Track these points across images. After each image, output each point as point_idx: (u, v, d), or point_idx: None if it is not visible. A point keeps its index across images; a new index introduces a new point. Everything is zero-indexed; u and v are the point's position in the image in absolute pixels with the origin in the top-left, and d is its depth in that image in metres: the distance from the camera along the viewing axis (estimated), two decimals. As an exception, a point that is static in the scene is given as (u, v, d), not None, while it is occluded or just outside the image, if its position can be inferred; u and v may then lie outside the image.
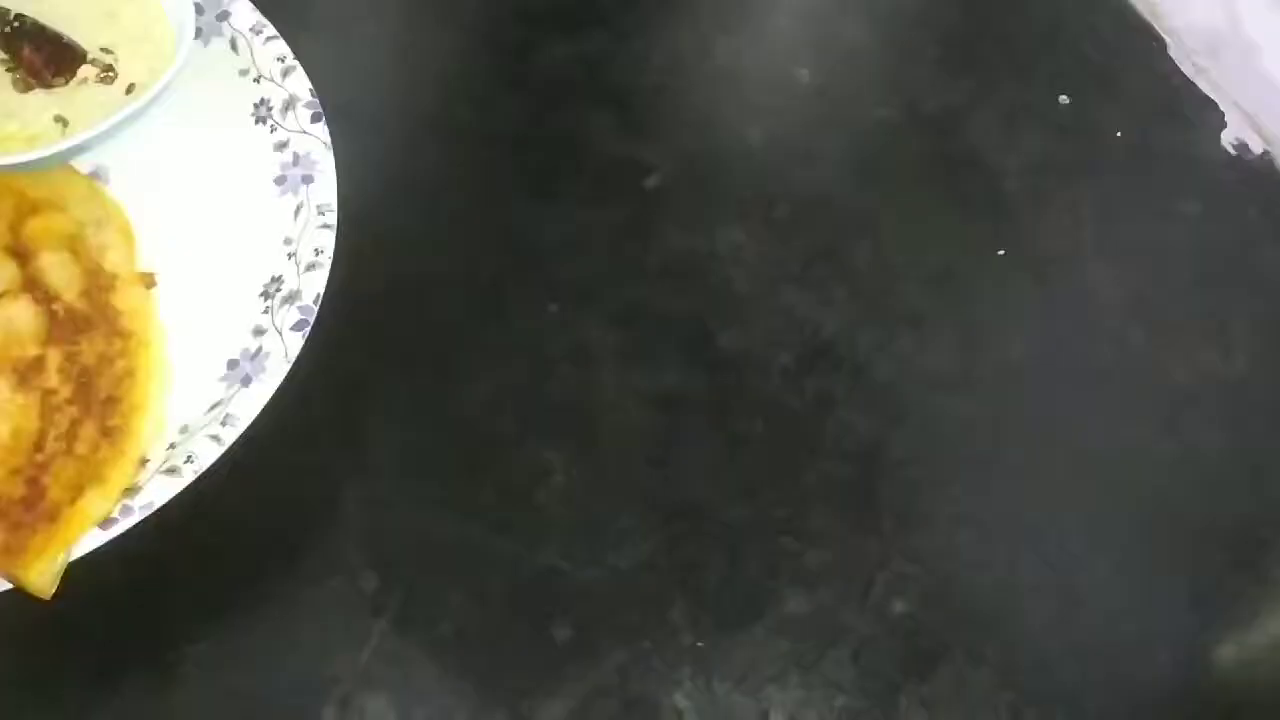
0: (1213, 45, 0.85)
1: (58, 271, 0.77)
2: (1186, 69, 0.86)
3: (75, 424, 0.72)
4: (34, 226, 0.78)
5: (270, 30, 0.83)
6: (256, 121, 0.82)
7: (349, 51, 0.87)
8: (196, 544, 0.70)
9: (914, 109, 0.88)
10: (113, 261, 0.78)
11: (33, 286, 0.76)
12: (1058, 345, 0.78)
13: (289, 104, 0.82)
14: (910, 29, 0.94)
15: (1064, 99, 0.87)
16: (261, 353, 0.75)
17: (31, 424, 0.72)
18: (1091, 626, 0.69)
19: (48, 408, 0.73)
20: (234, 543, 0.72)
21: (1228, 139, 0.84)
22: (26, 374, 0.73)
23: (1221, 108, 0.85)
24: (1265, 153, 0.83)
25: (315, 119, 0.81)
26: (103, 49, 0.77)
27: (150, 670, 0.67)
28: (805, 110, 0.89)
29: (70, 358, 0.74)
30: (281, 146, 0.81)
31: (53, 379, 0.73)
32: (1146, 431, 0.76)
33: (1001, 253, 0.82)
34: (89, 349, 0.75)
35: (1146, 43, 0.88)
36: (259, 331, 0.76)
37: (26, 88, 0.76)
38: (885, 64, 0.93)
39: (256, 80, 0.82)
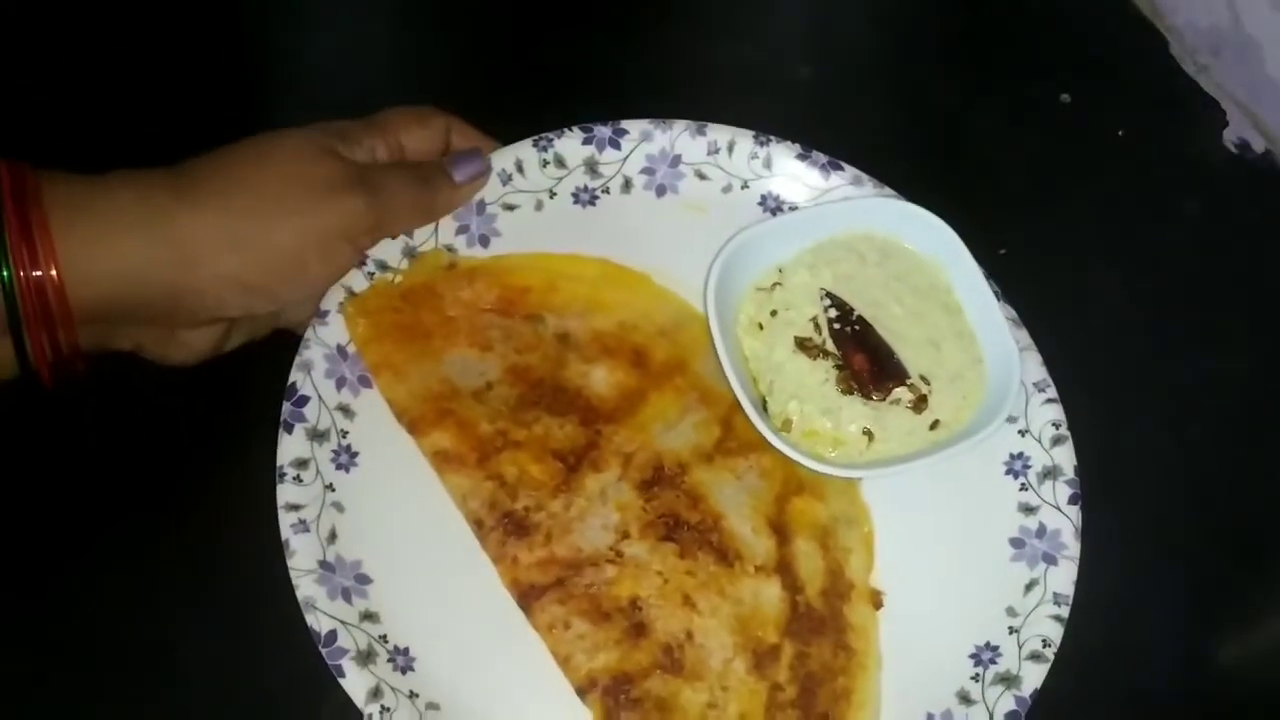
0: (1214, 43, 0.83)
1: (806, 562, 0.80)
2: (1188, 67, 0.84)
3: (794, 733, 0.75)
4: (797, 507, 0.81)
5: (1052, 393, 0.84)
6: (1007, 472, 0.83)
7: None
8: None
9: (915, 107, 0.88)
10: (853, 568, 0.81)
11: (784, 570, 0.79)
12: (1058, 344, 0.78)
13: (1050, 473, 0.82)
14: (911, 27, 0.93)
15: (1065, 97, 0.86)
16: (968, 728, 0.75)
17: (758, 715, 0.76)
18: (1092, 625, 0.71)
19: (773, 704, 0.76)
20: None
21: (1229, 137, 0.83)
22: (762, 660, 0.77)
23: (1223, 106, 0.83)
24: (1267, 151, 0.81)
25: (1073, 501, 0.81)
26: (921, 376, 0.80)
27: None
28: (806, 108, 0.87)
29: (800, 658, 0.77)
30: (1028, 510, 0.82)
31: (783, 673, 0.77)
32: (1147, 430, 0.76)
33: (1003, 251, 0.82)
34: (817, 654, 0.78)
35: (1148, 41, 0.86)
36: (965, 699, 0.77)
37: (847, 390, 0.79)
38: (886, 62, 0.91)
39: (1022, 433, 0.83)
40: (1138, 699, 0.65)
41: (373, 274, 0.83)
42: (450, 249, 0.86)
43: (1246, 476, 0.72)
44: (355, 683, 0.72)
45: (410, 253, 0.85)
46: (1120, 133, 0.71)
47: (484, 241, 0.87)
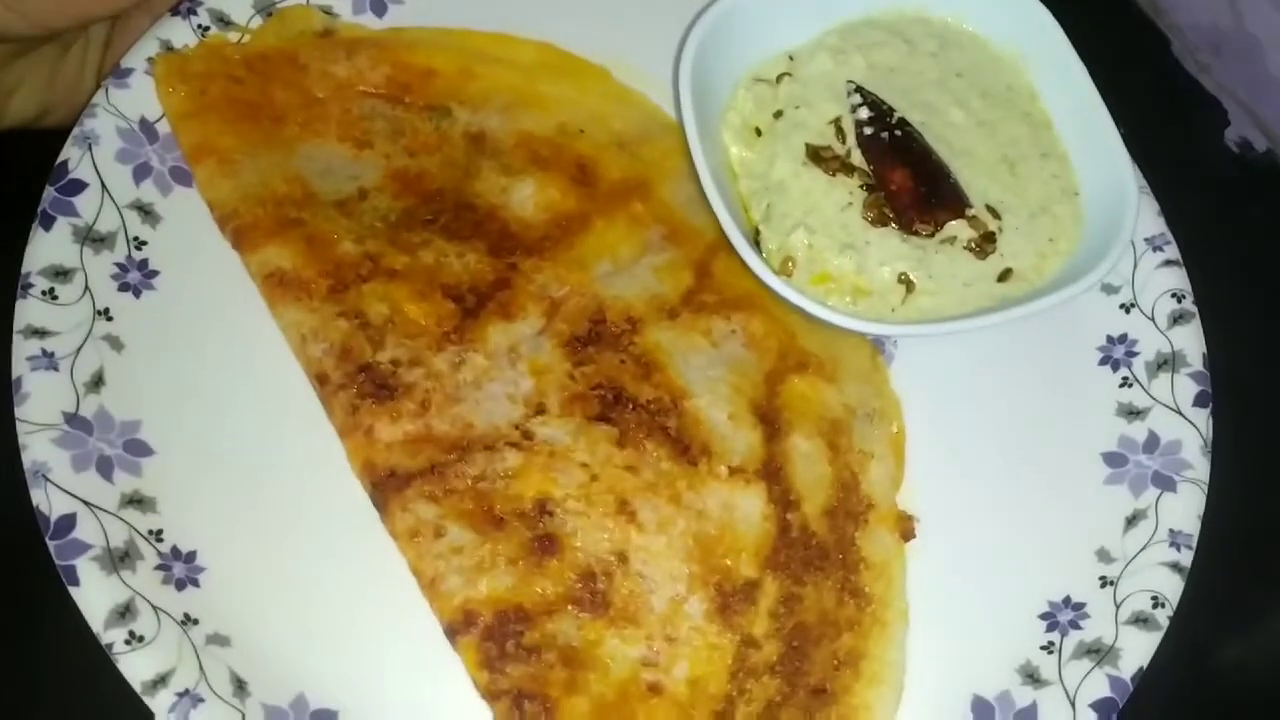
0: (1215, 43, 0.81)
1: (805, 466, 0.54)
2: (1189, 66, 0.83)
3: (772, 711, 0.48)
4: (795, 390, 0.55)
5: (1173, 252, 0.56)
6: (1103, 361, 0.56)
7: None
8: None
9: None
10: (872, 480, 0.55)
11: (771, 476, 0.52)
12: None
13: (1166, 363, 0.56)
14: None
15: None
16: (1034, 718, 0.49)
17: (718, 681, 0.49)
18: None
19: (743, 665, 0.50)
20: None
21: (1231, 136, 0.81)
22: (732, 601, 0.50)
23: (1224, 105, 0.82)
24: (1268, 150, 0.80)
25: (1200, 401, 0.53)
26: (989, 207, 0.53)
27: None
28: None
29: (789, 602, 0.51)
30: (1132, 414, 0.55)
31: (760, 623, 0.51)
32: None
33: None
34: (813, 598, 0.51)
35: (1149, 40, 0.84)
36: (1032, 677, 0.51)
37: (880, 221, 0.52)
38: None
39: (1126, 308, 0.56)
40: (1139, 697, 0.53)
41: (206, 28, 0.57)
42: (327, 11, 0.60)
43: (1249, 475, 0.64)
44: (94, 594, 0.46)
45: (266, 7, 0.59)
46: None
47: (378, 8, 0.61)
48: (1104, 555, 0.57)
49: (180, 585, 0.50)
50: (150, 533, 0.50)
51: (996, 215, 0.58)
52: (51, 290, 0.53)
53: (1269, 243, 0.77)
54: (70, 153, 0.56)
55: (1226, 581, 0.63)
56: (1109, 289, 0.61)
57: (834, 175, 0.58)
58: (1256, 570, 0.68)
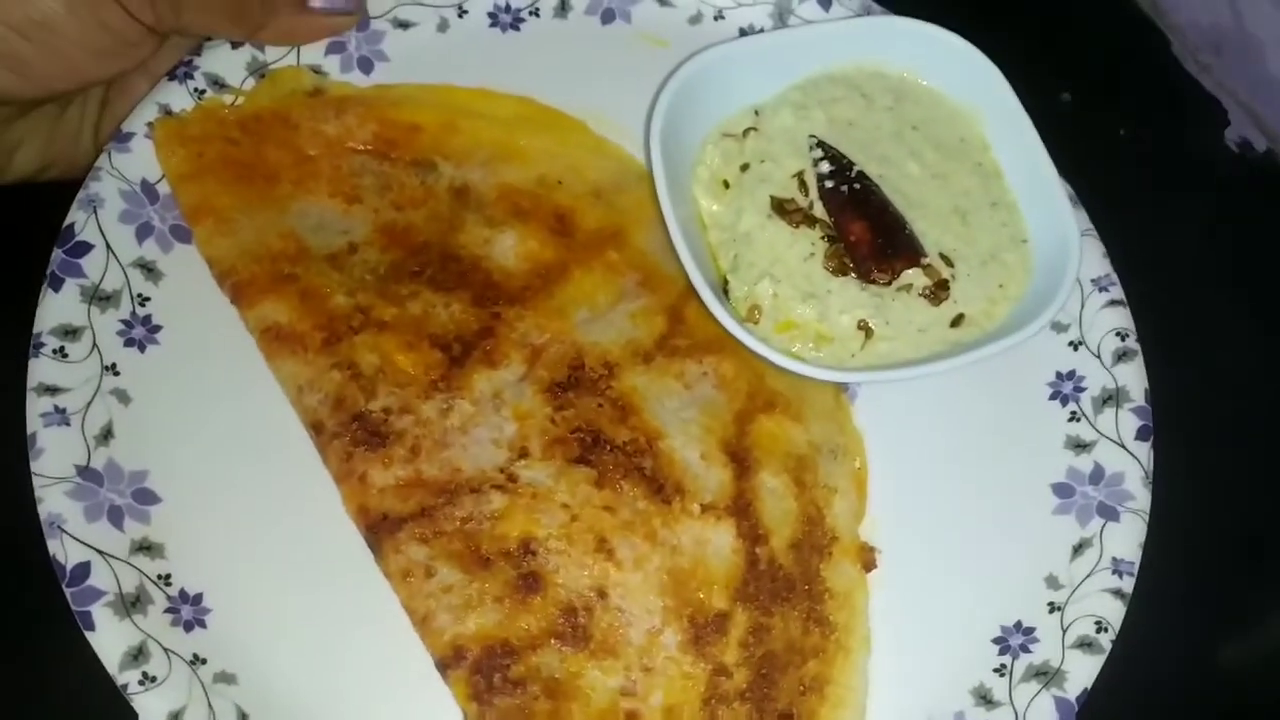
0: (1215, 42, 0.83)
1: (774, 502, 0.58)
2: (1189, 66, 0.83)
3: (742, 736, 0.52)
4: (763, 430, 0.59)
5: (1117, 293, 0.60)
6: (1052, 396, 0.60)
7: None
8: None
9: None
10: (836, 514, 0.59)
11: (742, 512, 0.56)
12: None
13: (1111, 398, 0.59)
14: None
15: (1065, 97, 0.81)
16: (987, 739, 0.53)
17: (692, 709, 0.53)
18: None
19: (715, 694, 0.53)
20: None
21: (1231, 136, 0.82)
22: (704, 633, 0.54)
23: (1224, 105, 0.82)
24: (1268, 150, 0.81)
25: (1142, 435, 0.57)
26: (942, 255, 0.57)
27: None
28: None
29: (758, 632, 0.55)
30: (1080, 447, 0.59)
31: (731, 652, 0.54)
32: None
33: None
34: (780, 627, 0.55)
35: (1149, 40, 0.85)
36: (985, 699, 0.55)
37: (840, 270, 0.56)
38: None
39: (1074, 346, 0.60)
40: (1140, 697, 0.58)
41: (202, 91, 0.60)
42: (317, 70, 0.63)
43: (1249, 476, 0.67)
44: (109, 639, 0.49)
45: (259, 69, 0.62)
46: (1120, 132, 0.68)
47: (365, 66, 0.64)
48: (1052, 582, 0.60)
49: (188, 627, 0.53)
50: (159, 577, 0.54)
51: (950, 263, 0.61)
52: (62, 349, 0.56)
53: (1269, 243, 0.78)
54: (76, 216, 0.59)
55: (1226, 582, 0.68)
56: (1059, 327, 0.65)
57: (797, 227, 0.62)
58: (1256, 571, 0.70)
